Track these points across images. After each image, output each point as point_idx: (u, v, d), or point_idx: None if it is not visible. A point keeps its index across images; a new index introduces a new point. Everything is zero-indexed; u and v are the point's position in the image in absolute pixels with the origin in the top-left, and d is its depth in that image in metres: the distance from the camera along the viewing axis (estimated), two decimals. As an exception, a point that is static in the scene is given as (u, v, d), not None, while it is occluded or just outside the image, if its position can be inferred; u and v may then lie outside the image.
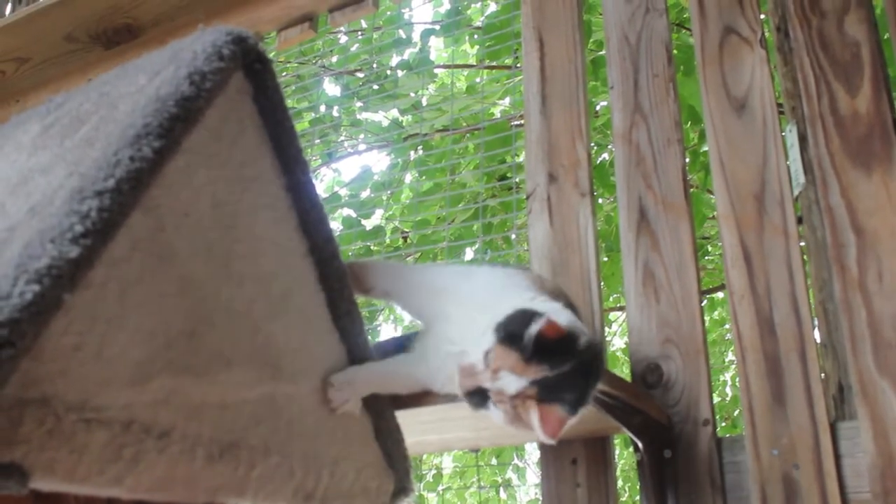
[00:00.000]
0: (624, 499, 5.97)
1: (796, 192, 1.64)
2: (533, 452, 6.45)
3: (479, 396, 1.13)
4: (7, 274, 0.77)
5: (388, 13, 4.57)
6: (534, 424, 1.11)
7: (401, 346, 1.44)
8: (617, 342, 6.19)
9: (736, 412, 6.23)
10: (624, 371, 6.17)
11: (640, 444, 1.46)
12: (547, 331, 1.09)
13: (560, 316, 1.14)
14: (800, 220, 1.65)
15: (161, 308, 0.95)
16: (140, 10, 2.42)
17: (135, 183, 0.90)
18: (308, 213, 1.21)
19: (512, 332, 1.11)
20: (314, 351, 1.19)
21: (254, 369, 1.06)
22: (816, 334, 1.55)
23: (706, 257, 4.96)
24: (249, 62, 1.14)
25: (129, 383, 0.89)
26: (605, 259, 3.91)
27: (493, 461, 5.99)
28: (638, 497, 6.24)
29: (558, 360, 1.11)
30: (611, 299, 4.89)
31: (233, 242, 1.08)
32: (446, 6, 5.33)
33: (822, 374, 1.51)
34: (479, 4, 4.87)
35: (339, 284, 1.24)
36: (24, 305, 0.75)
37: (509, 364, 1.11)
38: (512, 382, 1.11)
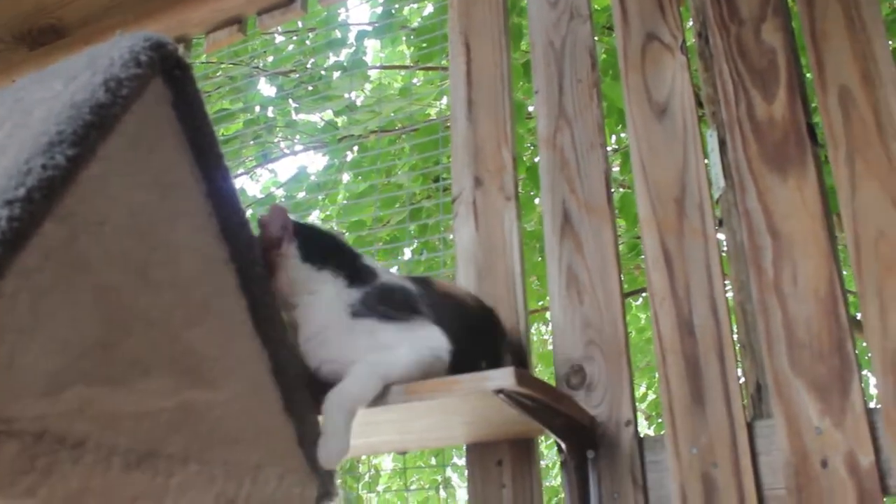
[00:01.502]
0: (561, 496, 6.01)
1: (717, 196, 1.68)
2: (473, 451, 6.45)
3: None
4: (-87, 285, 0.77)
5: (325, 13, 4.56)
6: None
7: None
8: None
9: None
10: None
11: (563, 445, 1.48)
12: None
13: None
14: (720, 223, 1.68)
15: (75, 318, 0.94)
16: (66, 10, 2.38)
17: (47, 192, 0.89)
18: (229, 219, 1.20)
19: None
20: (236, 357, 1.18)
21: (172, 377, 1.06)
22: (735, 335, 1.58)
23: (640, 256, 5.02)
24: (168, 68, 1.13)
25: (42, 394, 0.88)
26: (539, 259, 3.93)
27: (433, 461, 5.99)
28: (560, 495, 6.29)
29: None
30: (547, 299, 4.92)
31: (151, 250, 1.07)
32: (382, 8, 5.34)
33: (741, 374, 1.54)
34: (415, 6, 4.87)
35: (261, 290, 1.24)
36: (-71, 317, 0.74)
37: None
38: None
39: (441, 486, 6.44)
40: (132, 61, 1.07)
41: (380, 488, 6.45)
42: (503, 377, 1.20)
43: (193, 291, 1.14)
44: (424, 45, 4.12)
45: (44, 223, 0.90)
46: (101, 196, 1.01)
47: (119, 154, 1.04)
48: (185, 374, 1.08)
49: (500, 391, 1.22)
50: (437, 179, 4.12)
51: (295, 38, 4.80)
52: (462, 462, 6.28)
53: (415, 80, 5.43)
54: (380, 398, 1.27)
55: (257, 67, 4.56)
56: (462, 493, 6.83)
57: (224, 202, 1.20)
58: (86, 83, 1.04)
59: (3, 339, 0.85)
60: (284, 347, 1.26)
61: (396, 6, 4.51)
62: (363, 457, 5.53)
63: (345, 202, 4.69)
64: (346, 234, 4.39)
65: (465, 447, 1.64)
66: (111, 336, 0.99)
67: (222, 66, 4.27)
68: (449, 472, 6.47)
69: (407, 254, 4.61)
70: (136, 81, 1.06)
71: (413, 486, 6.61)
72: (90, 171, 0.98)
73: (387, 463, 6.78)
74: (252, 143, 4.54)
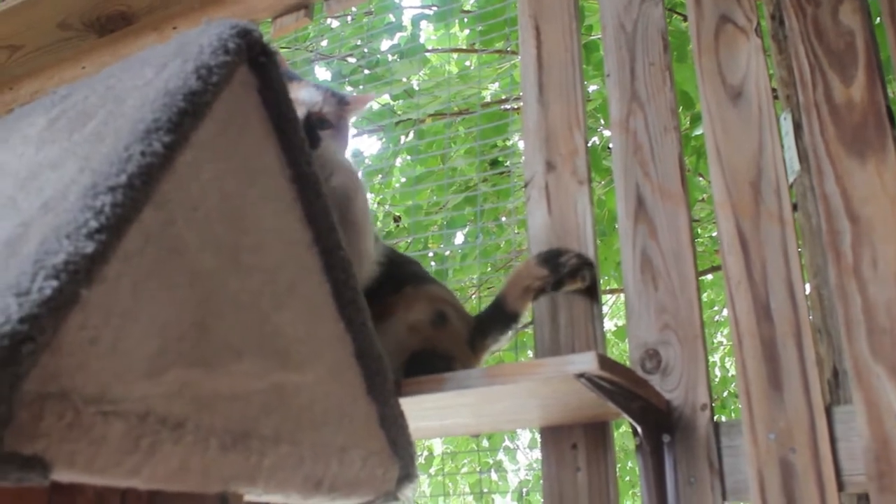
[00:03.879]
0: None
1: (791, 180, 1.66)
2: (523, 434, 6.49)
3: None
4: (25, 270, 0.79)
5: (380, -2, 4.57)
6: None
7: None
8: (607, 324, 6.22)
9: (725, 393, 6.28)
10: (614, 352, 6.21)
11: (639, 429, 1.48)
12: None
13: None
14: (795, 207, 1.66)
15: (173, 301, 0.96)
16: (135, -3, 2.43)
17: (146, 178, 0.92)
18: (312, 204, 1.22)
19: None
20: (321, 340, 1.20)
21: (263, 359, 1.08)
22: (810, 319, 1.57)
23: (696, 240, 4.99)
24: (254, 55, 1.15)
25: (144, 376, 0.91)
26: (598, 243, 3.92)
27: (485, 443, 6.02)
28: (628, 477, 6.29)
29: None
30: (600, 282, 4.91)
31: (240, 235, 1.09)
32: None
33: (817, 359, 1.53)
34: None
35: (344, 274, 1.26)
36: (42, 301, 0.76)
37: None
38: (310, 93, 1.53)
39: (493, 469, 6.47)
40: (221, 49, 1.10)
41: (431, 470, 6.49)
42: (585, 361, 1.20)
43: (280, 275, 1.16)
44: (480, 27, 4.11)
45: (143, 209, 0.92)
46: (195, 182, 1.03)
47: (210, 140, 1.06)
48: (274, 356, 1.10)
49: (581, 375, 1.23)
50: (494, 163, 4.12)
51: (350, 21, 4.81)
52: (513, 445, 6.30)
53: (466, 63, 5.42)
54: (461, 381, 1.28)
55: (315, 52, 4.58)
56: (512, 477, 6.86)
57: (308, 187, 1.22)
58: (177, 71, 1.06)
59: (108, 323, 0.87)
60: (366, 331, 1.28)
61: (457, -11, 4.51)
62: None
63: (398, 185, 4.71)
64: (402, 219, 4.41)
65: (538, 430, 1.65)
66: (206, 319, 1.01)
67: (281, 50, 4.29)
68: (500, 455, 6.50)
69: (459, 237, 4.61)
70: (226, 69, 1.08)
71: (465, 469, 6.66)
72: (184, 158, 1.00)
73: (438, 445, 6.83)
74: (310, 126, 4.56)
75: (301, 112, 1.39)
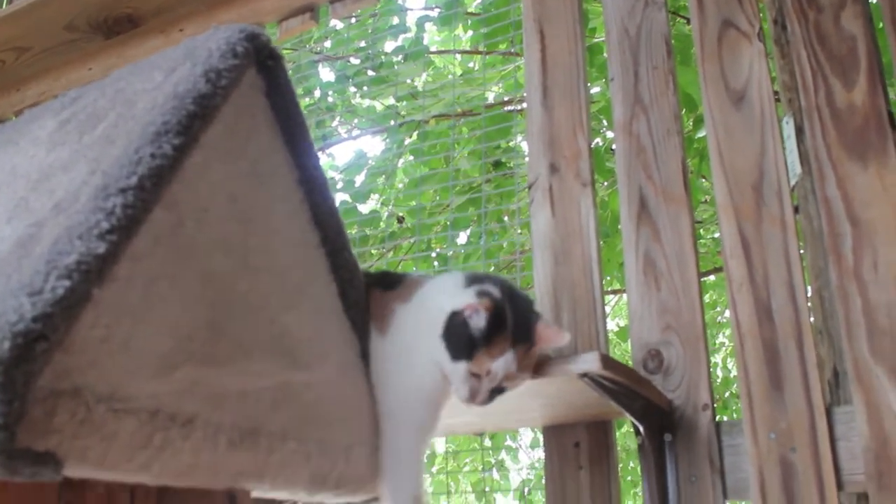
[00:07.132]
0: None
1: (793, 183, 1.67)
2: (525, 434, 6.50)
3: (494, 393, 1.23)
4: (38, 270, 0.80)
5: (383, -2, 4.58)
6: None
7: None
8: (610, 324, 6.23)
9: (727, 393, 6.28)
10: (616, 353, 6.22)
11: (641, 429, 1.50)
12: (480, 312, 1.21)
13: (466, 296, 1.26)
14: (796, 210, 1.68)
15: (183, 301, 0.98)
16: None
17: (156, 180, 0.93)
18: (319, 206, 1.24)
19: (462, 339, 1.22)
20: (328, 340, 1.22)
21: (271, 358, 1.09)
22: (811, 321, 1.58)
23: (699, 241, 5.00)
24: (262, 59, 1.17)
25: (155, 374, 0.92)
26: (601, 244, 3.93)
27: (487, 442, 6.03)
28: (630, 478, 6.30)
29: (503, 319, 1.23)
30: (603, 282, 4.92)
31: (249, 236, 1.11)
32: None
33: (817, 360, 1.55)
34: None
35: (350, 275, 1.27)
36: (55, 300, 0.78)
37: (491, 357, 1.21)
38: (506, 363, 1.21)
39: (495, 468, 6.48)
40: (230, 52, 1.11)
41: (434, 469, 6.48)
42: (589, 361, 1.22)
43: (288, 276, 1.17)
44: (483, 28, 4.12)
45: (154, 210, 0.94)
46: (204, 183, 1.04)
47: (219, 142, 1.07)
48: (283, 355, 1.11)
49: (584, 375, 1.24)
50: (497, 164, 4.13)
51: (353, 21, 4.82)
52: (515, 445, 6.30)
53: (470, 64, 5.44)
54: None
55: (319, 52, 4.59)
56: (514, 476, 6.86)
57: (315, 189, 1.23)
58: (187, 74, 1.08)
59: (119, 322, 0.88)
60: (370, 331, 1.29)
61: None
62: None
63: (401, 185, 4.72)
64: (408, 220, 4.43)
65: (541, 429, 1.66)
66: (215, 319, 1.02)
67: (284, 50, 4.30)
68: (503, 454, 6.51)
69: (462, 238, 4.62)
70: (234, 72, 1.10)
71: (466, 468, 6.66)
72: (193, 160, 1.01)
73: (439, 444, 6.82)
74: (312, 123, 4.58)
75: (494, 381, 1.22)
